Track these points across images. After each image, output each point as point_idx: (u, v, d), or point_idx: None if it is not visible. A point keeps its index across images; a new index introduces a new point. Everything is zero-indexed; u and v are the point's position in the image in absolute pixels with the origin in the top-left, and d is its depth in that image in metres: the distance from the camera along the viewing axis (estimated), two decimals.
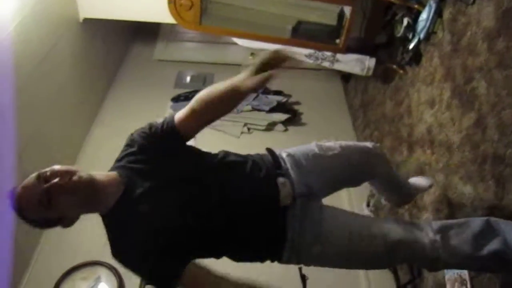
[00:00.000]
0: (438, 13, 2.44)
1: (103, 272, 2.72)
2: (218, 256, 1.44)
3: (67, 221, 1.34)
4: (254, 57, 3.71)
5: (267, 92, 4.01)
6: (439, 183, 2.35)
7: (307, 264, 1.53)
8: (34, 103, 2.67)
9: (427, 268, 1.63)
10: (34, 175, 1.27)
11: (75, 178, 1.27)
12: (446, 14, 2.40)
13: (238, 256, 1.47)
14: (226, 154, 1.51)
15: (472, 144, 2.06)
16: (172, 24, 3.27)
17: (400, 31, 2.82)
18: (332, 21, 3.16)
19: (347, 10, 2.89)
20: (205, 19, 3.07)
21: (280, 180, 1.45)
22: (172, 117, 1.39)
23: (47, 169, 1.28)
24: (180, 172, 1.36)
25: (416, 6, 2.66)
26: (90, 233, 2.91)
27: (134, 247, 1.27)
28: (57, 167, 1.29)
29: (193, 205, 1.33)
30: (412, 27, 2.69)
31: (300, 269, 2.40)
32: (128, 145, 1.49)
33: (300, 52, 3.23)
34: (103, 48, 3.95)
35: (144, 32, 4.78)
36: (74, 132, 3.42)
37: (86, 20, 3.31)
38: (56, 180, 1.23)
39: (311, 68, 4.15)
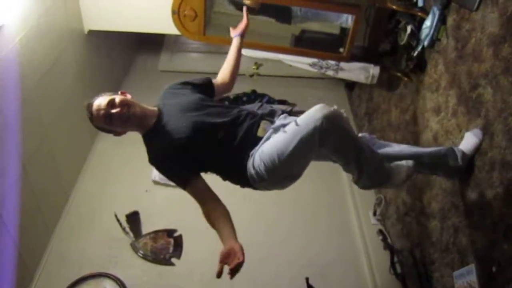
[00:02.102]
0: (442, 20, 2.44)
1: (108, 283, 2.71)
2: (208, 169, 1.91)
3: (118, 133, 1.84)
4: (257, 66, 3.74)
5: (271, 101, 4.01)
6: (447, 190, 2.32)
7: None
8: (39, 114, 2.68)
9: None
10: (107, 98, 1.75)
11: (131, 110, 1.77)
12: (450, 21, 2.39)
13: (222, 168, 1.93)
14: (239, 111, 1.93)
15: (479, 151, 2.04)
16: (176, 35, 3.28)
17: (404, 38, 2.81)
18: (335, 29, 3.16)
19: (351, 19, 2.89)
20: (209, 30, 3.08)
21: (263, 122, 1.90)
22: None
23: (116, 96, 1.77)
24: (201, 106, 1.89)
25: (419, 13, 2.65)
26: (95, 244, 2.92)
27: (159, 155, 1.80)
28: (121, 97, 1.78)
29: (203, 127, 1.80)
30: (416, 34, 2.68)
31: (307, 279, 2.38)
32: (170, 87, 2.04)
33: (304, 61, 3.23)
34: (108, 60, 3.97)
35: (149, 43, 4.81)
36: (79, 143, 3.43)
37: (91, 32, 3.33)
38: (118, 109, 1.74)
39: (315, 77, 4.16)
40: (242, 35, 2.32)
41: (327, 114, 1.63)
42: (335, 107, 1.71)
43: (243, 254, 1.62)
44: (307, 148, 1.69)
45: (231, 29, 2.34)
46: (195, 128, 1.78)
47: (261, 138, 1.81)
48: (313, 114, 1.66)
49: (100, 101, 1.75)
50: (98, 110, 1.74)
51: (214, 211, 1.80)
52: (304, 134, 1.64)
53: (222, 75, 2.25)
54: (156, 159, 1.81)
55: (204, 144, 1.80)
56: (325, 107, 1.67)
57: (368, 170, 1.83)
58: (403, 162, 1.92)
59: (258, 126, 1.86)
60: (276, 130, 1.79)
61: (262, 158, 1.74)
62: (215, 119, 1.83)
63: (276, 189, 1.91)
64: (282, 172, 1.77)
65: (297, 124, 1.69)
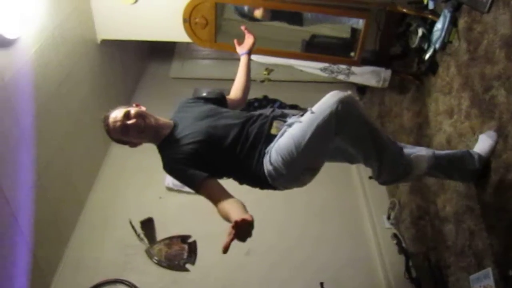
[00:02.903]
0: (453, 23, 2.43)
1: None
2: (225, 174, 1.92)
3: (134, 145, 1.89)
4: (268, 72, 3.75)
5: (283, 106, 4.02)
6: (461, 193, 2.30)
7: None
8: (54, 124, 2.72)
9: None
10: (123, 110, 1.81)
11: (146, 121, 1.83)
12: (461, 23, 2.38)
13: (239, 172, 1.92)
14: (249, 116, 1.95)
15: (493, 153, 2.02)
16: (188, 42, 3.31)
17: (415, 41, 2.81)
18: (346, 34, 3.17)
19: (360, 26, 2.89)
20: (220, 37, 3.10)
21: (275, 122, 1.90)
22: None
23: (131, 108, 1.83)
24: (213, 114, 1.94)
25: (430, 16, 2.65)
26: (110, 251, 2.95)
27: (173, 159, 1.80)
28: (136, 109, 1.84)
29: (216, 130, 1.84)
30: (427, 37, 2.68)
31: (321, 284, 2.37)
32: (184, 102, 2.13)
33: (315, 66, 3.24)
34: (120, 68, 4.02)
35: (160, 51, 4.86)
36: (93, 152, 3.47)
37: (104, 41, 3.38)
38: (134, 120, 1.79)
39: (326, 81, 4.14)
40: (249, 53, 2.33)
41: (342, 98, 1.64)
42: (349, 92, 1.70)
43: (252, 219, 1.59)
44: (324, 135, 1.68)
45: (236, 45, 2.35)
46: (208, 132, 1.81)
47: (274, 136, 1.82)
48: (327, 100, 1.67)
49: (116, 114, 1.81)
50: (115, 122, 1.79)
51: (228, 203, 1.74)
52: (321, 120, 1.64)
53: (234, 92, 2.29)
54: (169, 164, 1.82)
55: (218, 145, 1.81)
56: (339, 93, 1.67)
57: (388, 161, 1.81)
58: (423, 152, 1.91)
59: (271, 125, 1.87)
60: (290, 125, 1.80)
61: (279, 152, 1.73)
62: (228, 121, 1.87)
63: (296, 185, 1.89)
64: (301, 164, 1.75)
65: (312, 112, 1.69)
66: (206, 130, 1.82)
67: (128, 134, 1.80)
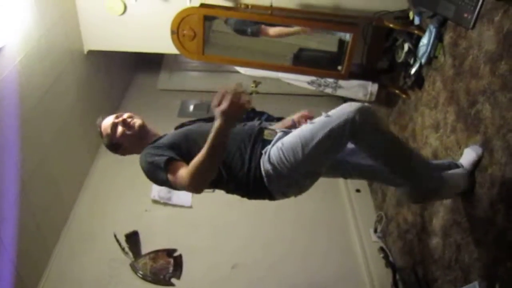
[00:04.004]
0: (439, 38, 2.46)
1: None
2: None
3: (124, 150, 1.92)
4: (256, 84, 3.76)
5: (270, 119, 4.02)
6: (448, 207, 2.31)
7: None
8: (39, 134, 2.68)
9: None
10: (115, 114, 1.92)
11: (135, 119, 1.90)
12: (447, 39, 2.42)
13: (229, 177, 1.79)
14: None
15: (479, 167, 2.04)
16: (176, 54, 3.31)
17: (401, 56, 2.84)
18: (333, 47, 3.19)
19: (347, 38, 2.92)
20: (207, 49, 3.10)
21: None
22: None
23: (124, 113, 1.92)
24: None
25: (416, 31, 2.68)
26: (94, 265, 2.90)
27: (147, 153, 1.75)
28: (128, 113, 1.91)
29: (198, 133, 1.78)
30: (413, 52, 2.71)
31: None
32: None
33: (302, 79, 3.25)
34: (107, 79, 3.99)
35: (148, 62, 4.84)
36: (79, 163, 3.42)
37: (91, 52, 3.36)
38: (124, 117, 1.89)
39: (313, 95, 4.17)
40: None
41: (361, 108, 1.63)
42: (370, 105, 1.71)
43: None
44: (334, 140, 1.66)
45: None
46: (190, 133, 1.83)
47: (267, 140, 1.79)
48: (346, 107, 1.66)
49: (110, 116, 1.93)
50: (107, 121, 1.91)
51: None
52: (335, 125, 1.63)
53: None
54: (145, 156, 1.74)
55: (198, 143, 1.64)
56: (360, 104, 1.66)
57: (415, 176, 1.80)
58: (459, 170, 1.91)
59: (261, 130, 1.85)
60: (286, 133, 1.78)
61: (283, 150, 1.69)
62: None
63: (294, 191, 1.82)
64: (304, 166, 1.70)
65: (327, 116, 1.68)
66: (188, 132, 1.83)
67: (117, 130, 1.87)
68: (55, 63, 2.85)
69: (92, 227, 3.14)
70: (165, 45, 3.07)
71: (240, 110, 1.43)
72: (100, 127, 1.93)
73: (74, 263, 2.89)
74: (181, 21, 2.90)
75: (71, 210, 3.23)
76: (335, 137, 1.65)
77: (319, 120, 1.70)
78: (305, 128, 1.70)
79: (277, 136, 1.79)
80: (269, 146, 1.75)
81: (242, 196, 1.88)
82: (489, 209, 1.95)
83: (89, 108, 3.43)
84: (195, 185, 1.59)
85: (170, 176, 1.64)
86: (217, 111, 1.42)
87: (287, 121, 2.03)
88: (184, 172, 1.60)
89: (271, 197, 1.81)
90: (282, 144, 1.71)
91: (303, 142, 1.66)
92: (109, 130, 1.89)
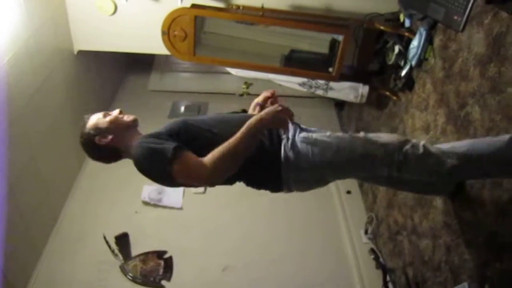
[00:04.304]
0: (429, 40, 2.48)
1: None
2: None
3: (106, 142, 1.65)
4: (247, 85, 3.75)
5: None
6: (438, 209, 2.32)
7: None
8: (27, 134, 2.65)
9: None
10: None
11: (124, 113, 1.72)
12: (437, 41, 2.43)
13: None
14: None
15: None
16: (167, 55, 3.29)
17: (392, 58, 2.86)
18: (324, 49, 3.20)
19: (340, 38, 2.93)
20: (199, 50, 3.09)
21: None
22: None
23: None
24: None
25: (406, 33, 2.70)
26: (84, 267, 2.87)
27: (141, 144, 1.56)
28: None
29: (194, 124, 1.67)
30: (403, 54, 2.72)
31: None
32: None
33: (294, 81, 3.26)
34: (97, 80, 3.96)
35: (139, 63, 4.81)
36: (68, 164, 3.39)
37: (81, 52, 3.33)
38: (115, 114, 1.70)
39: (304, 96, 4.17)
40: None
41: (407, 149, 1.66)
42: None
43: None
44: (369, 166, 1.67)
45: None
46: (190, 122, 1.68)
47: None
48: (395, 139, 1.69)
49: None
50: (93, 115, 1.72)
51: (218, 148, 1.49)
52: (379, 153, 1.65)
53: None
54: (138, 149, 1.55)
55: (201, 127, 1.64)
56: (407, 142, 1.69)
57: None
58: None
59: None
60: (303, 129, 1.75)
61: (314, 146, 1.64)
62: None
63: (299, 188, 1.74)
64: (324, 171, 1.67)
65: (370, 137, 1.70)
66: (185, 120, 1.68)
67: (108, 115, 1.69)
68: (44, 63, 2.82)
69: (81, 228, 3.11)
70: (156, 46, 3.06)
71: (285, 119, 1.53)
72: (86, 118, 1.71)
73: (63, 265, 2.86)
74: (172, 22, 2.89)
75: (60, 211, 3.20)
76: (372, 162, 1.66)
77: (362, 136, 1.71)
78: (346, 137, 1.70)
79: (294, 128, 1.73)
80: (293, 134, 1.70)
81: (248, 180, 1.72)
82: (479, 211, 1.96)
83: (79, 108, 3.40)
84: (217, 177, 1.48)
85: (178, 167, 1.46)
86: (269, 109, 1.52)
87: (254, 104, 1.97)
88: (203, 162, 1.45)
89: (276, 186, 1.70)
90: (316, 140, 1.66)
91: (335, 148, 1.64)
92: (100, 115, 1.69)
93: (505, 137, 1.69)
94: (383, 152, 1.65)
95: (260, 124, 1.50)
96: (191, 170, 1.47)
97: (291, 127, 1.73)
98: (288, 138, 1.67)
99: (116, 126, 1.67)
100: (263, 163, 1.63)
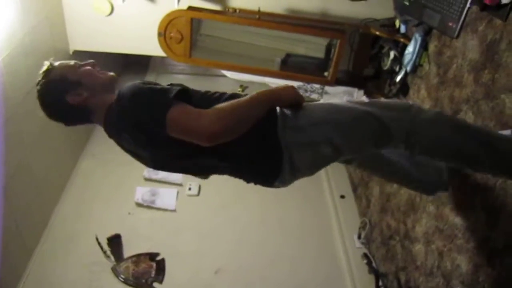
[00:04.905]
0: (424, 46, 2.49)
1: None
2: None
3: (77, 98, 1.40)
4: (243, 89, 3.75)
5: None
6: (430, 214, 2.33)
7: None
8: (22, 133, 2.64)
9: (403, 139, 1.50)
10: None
11: (109, 72, 1.51)
12: (432, 47, 2.45)
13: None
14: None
15: (462, 175, 2.06)
16: (162, 57, 3.29)
17: (387, 64, 2.87)
18: (320, 54, 3.21)
19: (336, 43, 2.94)
20: (195, 52, 3.09)
21: None
22: None
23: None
24: None
25: (402, 39, 2.71)
26: (75, 268, 2.85)
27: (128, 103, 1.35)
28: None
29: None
30: (398, 60, 2.74)
31: None
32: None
33: (289, 84, 3.26)
34: None
35: (134, 64, 4.81)
36: (61, 164, 3.37)
37: (76, 52, 3.32)
38: (90, 67, 1.48)
39: None
40: None
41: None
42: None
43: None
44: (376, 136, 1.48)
45: None
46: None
47: None
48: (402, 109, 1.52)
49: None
50: (60, 62, 1.49)
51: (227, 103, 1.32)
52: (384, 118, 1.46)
53: None
54: (133, 85, 1.37)
55: (196, 92, 1.48)
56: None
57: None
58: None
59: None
60: None
61: (315, 105, 1.49)
62: None
63: (306, 154, 1.42)
64: (329, 130, 1.42)
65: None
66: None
67: (82, 66, 1.49)
68: (39, 62, 2.78)
69: (73, 229, 3.09)
70: (152, 47, 3.06)
71: (297, 97, 1.41)
72: (50, 63, 1.48)
73: (54, 266, 2.84)
74: (169, 24, 2.89)
75: (52, 212, 3.18)
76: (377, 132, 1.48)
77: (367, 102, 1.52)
78: (345, 102, 1.53)
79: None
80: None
81: (238, 165, 1.46)
82: (470, 216, 1.97)
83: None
84: (218, 131, 1.25)
85: (176, 111, 1.25)
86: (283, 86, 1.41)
87: None
88: (205, 111, 1.26)
89: (277, 166, 1.40)
90: (313, 102, 1.52)
91: (337, 109, 1.47)
92: (72, 63, 1.46)
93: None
94: (387, 115, 1.47)
95: (274, 94, 1.39)
96: (189, 117, 1.26)
97: None
98: (285, 113, 1.45)
99: (92, 82, 1.44)
100: (257, 126, 1.34)
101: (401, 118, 1.49)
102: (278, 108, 1.42)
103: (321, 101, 3.26)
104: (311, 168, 1.48)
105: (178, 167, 1.55)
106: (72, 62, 1.46)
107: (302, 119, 1.41)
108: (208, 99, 1.43)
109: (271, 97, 1.38)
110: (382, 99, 1.62)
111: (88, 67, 1.47)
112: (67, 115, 1.47)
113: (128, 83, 1.37)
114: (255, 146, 1.38)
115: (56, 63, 1.46)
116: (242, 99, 1.33)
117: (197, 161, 1.46)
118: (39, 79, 1.44)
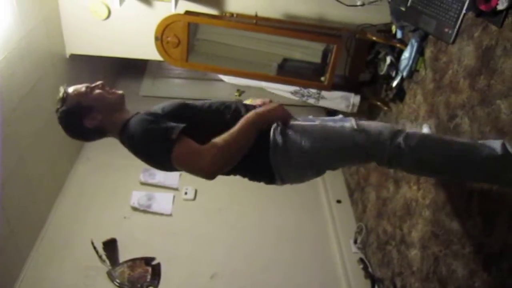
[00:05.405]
0: (420, 52, 2.51)
1: None
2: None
3: (90, 120, 1.56)
4: (239, 93, 3.75)
5: None
6: (426, 219, 2.33)
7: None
8: (18, 137, 2.63)
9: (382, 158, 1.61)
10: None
11: (117, 92, 1.68)
12: (428, 53, 2.46)
13: None
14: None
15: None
16: (159, 61, 3.29)
17: (383, 69, 2.88)
18: (317, 59, 3.22)
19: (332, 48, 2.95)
20: (192, 56, 3.09)
21: None
22: None
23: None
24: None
25: (398, 44, 2.73)
26: (70, 272, 2.83)
27: (138, 126, 1.50)
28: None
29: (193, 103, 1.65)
30: (395, 65, 2.75)
31: None
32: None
33: (286, 89, 3.27)
34: (89, 84, 3.94)
35: (131, 68, 4.80)
36: (57, 167, 3.35)
37: (73, 56, 3.32)
38: (100, 90, 1.63)
39: (297, 105, 4.18)
40: None
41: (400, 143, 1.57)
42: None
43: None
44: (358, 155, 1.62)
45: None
46: (183, 101, 1.65)
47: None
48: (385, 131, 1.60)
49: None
50: (78, 85, 1.62)
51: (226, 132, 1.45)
52: (368, 144, 1.57)
53: None
54: (136, 131, 1.49)
55: (198, 108, 1.60)
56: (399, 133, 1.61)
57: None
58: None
59: (240, 104, 1.70)
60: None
61: (301, 132, 1.57)
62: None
63: (293, 176, 1.62)
64: (317, 160, 1.58)
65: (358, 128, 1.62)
66: (184, 102, 1.63)
67: (93, 90, 1.61)
68: (36, 66, 2.81)
69: (69, 233, 3.07)
70: (149, 51, 3.06)
71: (284, 115, 1.59)
72: (65, 90, 1.61)
73: (49, 271, 2.82)
74: (166, 28, 2.89)
75: (47, 216, 3.16)
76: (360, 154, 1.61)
77: (351, 125, 1.62)
78: (333, 125, 1.63)
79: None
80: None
81: (244, 173, 1.64)
82: (467, 222, 1.97)
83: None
84: (217, 168, 1.41)
85: (178, 151, 1.40)
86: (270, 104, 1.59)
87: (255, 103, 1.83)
88: (204, 151, 1.39)
89: (270, 176, 1.59)
90: (304, 126, 1.61)
91: (324, 136, 1.58)
92: (83, 89, 1.59)
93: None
94: (372, 143, 1.58)
95: (261, 117, 1.52)
96: (191, 158, 1.40)
97: None
98: (278, 124, 1.59)
99: (103, 105, 1.59)
100: (252, 149, 1.51)
101: (386, 146, 1.58)
102: (271, 134, 1.55)
103: (319, 104, 3.27)
104: (298, 182, 1.66)
105: None
106: (83, 87, 1.60)
107: (291, 146, 1.55)
108: (217, 112, 1.61)
109: (259, 120, 1.52)
110: (372, 124, 1.65)
111: (98, 90, 1.62)
112: (88, 136, 1.66)
113: (135, 118, 1.53)
114: (252, 167, 1.58)
115: (70, 89, 1.61)
116: (234, 130, 1.45)
117: None
118: (57, 107, 1.60)
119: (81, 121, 1.56)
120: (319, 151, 1.57)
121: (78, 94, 1.59)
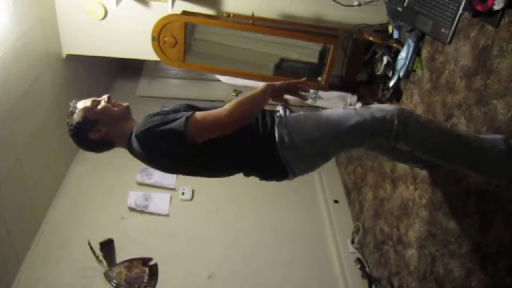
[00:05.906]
0: (417, 52, 2.51)
1: None
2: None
3: (96, 133, 1.64)
4: (236, 93, 3.75)
5: None
6: (423, 219, 2.34)
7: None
8: (14, 137, 2.62)
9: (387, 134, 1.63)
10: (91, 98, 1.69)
11: (122, 104, 1.74)
12: (424, 53, 2.47)
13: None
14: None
15: (455, 179, 2.07)
16: (156, 61, 3.29)
17: (380, 69, 2.89)
18: (314, 59, 3.22)
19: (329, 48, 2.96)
20: (188, 56, 3.09)
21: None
22: None
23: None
24: None
25: (395, 45, 2.73)
26: (67, 273, 2.83)
27: (148, 129, 1.60)
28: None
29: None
30: (391, 65, 2.75)
31: None
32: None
33: None
34: (85, 84, 3.93)
35: (128, 68, 4.79)
36: (53, 168, 3.34)
37: (69, 56, 3.31)
38: (105, 103, 1.69)
39: (293, 105, 4.18)
40: None
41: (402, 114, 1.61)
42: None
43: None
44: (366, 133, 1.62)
45: None
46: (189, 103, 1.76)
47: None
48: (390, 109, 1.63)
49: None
50: (85, 100, 1.69)
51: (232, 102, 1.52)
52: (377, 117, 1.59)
53: None
54: (147, 134, 1.57)
55: (203, 109, 1.63)
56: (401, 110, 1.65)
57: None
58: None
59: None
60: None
61: (302, 122, 1.65)
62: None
63: (303, 166, 1.66)
64: (324, 146, 1.63)
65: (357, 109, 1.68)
66: (187, 103, 1.73)
67: (99, 104, 1.68)
68: (32, 66, 2.80)
69: (65, 234, 3.06)
70: (146, 52, 3.05)
71: (289, 85, 1.64)
72: (74, 105, 1.70)
73: (45, 271, 2.82)
74: (162, 28, 2.89)
75: (44, 217, 3.15)
76: (368, 129, 1.61)
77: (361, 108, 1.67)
78: (334, 111, 1.68)
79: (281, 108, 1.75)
80: (283, 113, 1.70)
81: (253, 170, 1.69)
82: (463, 221, 1.98)
83: (66, 113, 3.37)
84: (235, 116, 1.49)
85: (194, 119, 1.50)
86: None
87: None
88: (217, 110, 1.52)
89: (284, 173, 1.65)
90: (305, 116, 1.68)
91: (325, 122, 1.63)
92: (88, 103, 1.66)
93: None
94: (378, 120, 1.60)
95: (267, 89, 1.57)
96: (207, 118, 1.50)
97: (281, 108, 1.75)
98: (280, 117, 1.66)
99: (108, 118, 1.66)
100: (260, 147, 1.61)
101: (393, 120, 1.59)
102: (276, 131, 1.61)
103: (316, 104, 3.27)
104: (308, 171, 1.69)
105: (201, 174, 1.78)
106: (89, 102, 1.67)
107: (297, 137, 1.60)
108: None
109: (253, 97, 1.55)
110: (375, 104, 1.67)
111: (104, 104, 1.67)
112: (96, 147, 1.72)
113: (140, 121, 1.61)
114: (267, 169, 1.66)
115: (78, 104, 1.69)
116: (245, 96, 1.53)
117: (217, 174, 1.77)
118: (67, 120, 1.70)
119: (87, 134, 1.65)
120: (324, 136, 1.61)
121: (84, 108, 1.66)
